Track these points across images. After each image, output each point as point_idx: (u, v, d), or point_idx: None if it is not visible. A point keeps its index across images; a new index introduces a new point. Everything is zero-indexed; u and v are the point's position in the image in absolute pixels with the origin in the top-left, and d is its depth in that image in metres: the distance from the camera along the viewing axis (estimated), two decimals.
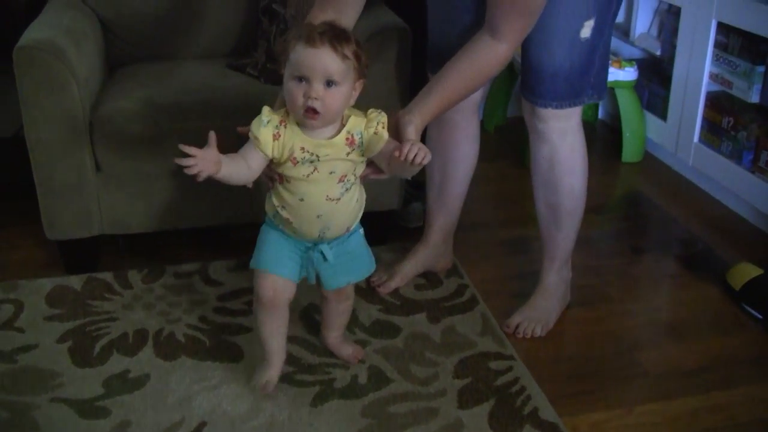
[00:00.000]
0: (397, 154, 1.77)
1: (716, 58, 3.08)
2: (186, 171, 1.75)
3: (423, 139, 2.45)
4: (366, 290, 2.53)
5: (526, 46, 2.16)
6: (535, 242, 2.62)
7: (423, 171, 2.44)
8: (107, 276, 2.61)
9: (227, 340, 2.30)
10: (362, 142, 1.89)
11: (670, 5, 3.42)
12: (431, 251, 2.59)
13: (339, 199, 1.93)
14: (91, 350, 2.27)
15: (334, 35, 1.77)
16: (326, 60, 1.76)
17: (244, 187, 1.98)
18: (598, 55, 2.17)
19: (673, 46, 3.34)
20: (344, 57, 1.77)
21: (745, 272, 2.56)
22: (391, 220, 2.85)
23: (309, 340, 2.30)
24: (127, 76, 2.78)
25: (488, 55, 2.03)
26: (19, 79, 2.36)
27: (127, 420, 2.03)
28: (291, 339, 2.26)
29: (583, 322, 2.45)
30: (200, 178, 1.78)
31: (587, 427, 2.04)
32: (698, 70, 3.15)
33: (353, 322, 2.36)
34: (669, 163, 3.54)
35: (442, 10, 2.28)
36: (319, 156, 1.86)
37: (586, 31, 2.09)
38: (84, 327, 2.36)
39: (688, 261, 2.80)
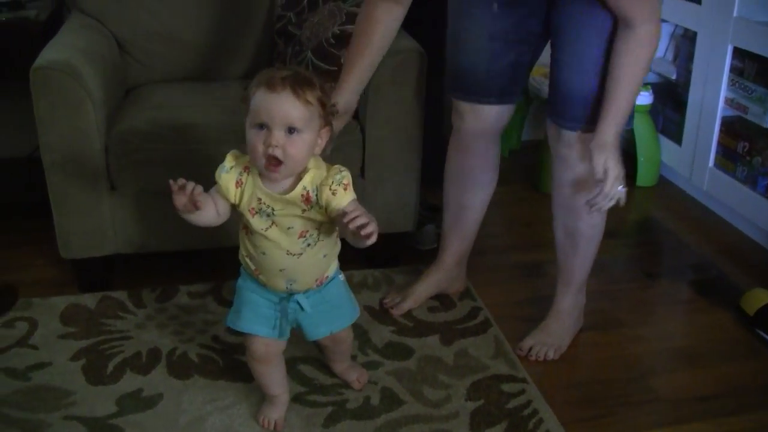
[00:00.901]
0: (345, 220, 1.69)
1: (732, 83, 3.08)
2: (177, 196, 1.74)
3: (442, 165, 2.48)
4: (379, 312, 2.53)
5: (556, 70, 2.16)
6: (549, 266, 2.62)
7: (439, 193, 2.46)
8: (121, 295, 2.61)
9: (240, 360, 2.29)
10: (317, 200, 1.77)
11: (686, 30, 3.43)
12: (445, 274, 2.59)
13: (301, 254, 1.84)
14: (105, 369, 2.28)
15: (296, 81, 1.69)
16: (286, 106, 1.68)
17: None
18: None
19: (689, 71, 3.34)
20: (306, 103, 1.69)
21: (759, 298, 2.55)
22: (405, 242, 2.86)
23: (321, 361, 2.29)
24: (143, 96, 2.80)
25: (641, 45, 1.99)
26: (36, 100, 2.38)
27: None
28: (303, 359, 2.27)
29: (596, 346, 2.45)
30: (198, 203, 1.76)
31: None
32: (713, 94, 3.15)
33: (366, 344, 2.37)
34: (683, 188, 3.54)
35: (478, 42, 2.25)
36: (274, 210, 1.79)
37: None
38: (97, 345, 2.37)
39: (702, 286, 2.79)
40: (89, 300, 2.59)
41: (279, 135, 1.68)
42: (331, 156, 2.55)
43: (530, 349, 2.37)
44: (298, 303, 1.92)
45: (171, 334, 2.42)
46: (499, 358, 2.33)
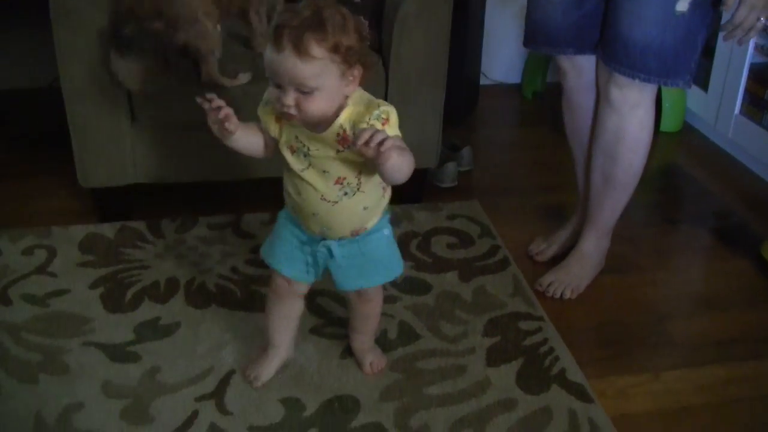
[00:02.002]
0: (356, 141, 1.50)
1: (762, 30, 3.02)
2: (212, 115, 1.64)
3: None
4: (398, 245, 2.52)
5: (616, 14, 2.10)
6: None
7: (458, 135, 2.43)
8: (140, 225, 2.62)
9: (258, 292, 2.30)
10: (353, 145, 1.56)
11: None
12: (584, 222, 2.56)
13: (337, 202, 1.71)
14: (123, 297, 2.28)
15: (299, 34, 1.51)
16: (289, 66, 1.53)
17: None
18: (701, 39, 2.09)
19: (719, 16, 3.28)
20: (312, 59, 1.52)
21: None
22: (426, 179, 2.85)
23: (338, 294, 2.29)
24: None
25: None
26: (55, 29, 2.36)
27: (156, 366, 2.04)
28: (321, 292, 2.27)
29: (614, 288, 2.44)
30: (227, 128, 1.65)
31: (614, 391, 2.04)
32: None
33: None
34: (708, 135, 3.50)
35: None
36: (309, 149, 1.67)
37: (682, 5, 2.00)
38: (116, 274, 2.38)
39: (723, 234, 2.78)
40: (108, 229, 2.60)
41: (290, 96, 1.56)
42: None
43: (549, 286, 2.37)
44: (329, 249, 1.81)
45: (189, 264, 2.43)
46: (517, 297, 2.32)
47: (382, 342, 2.13)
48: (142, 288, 2.32)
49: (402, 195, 2.76)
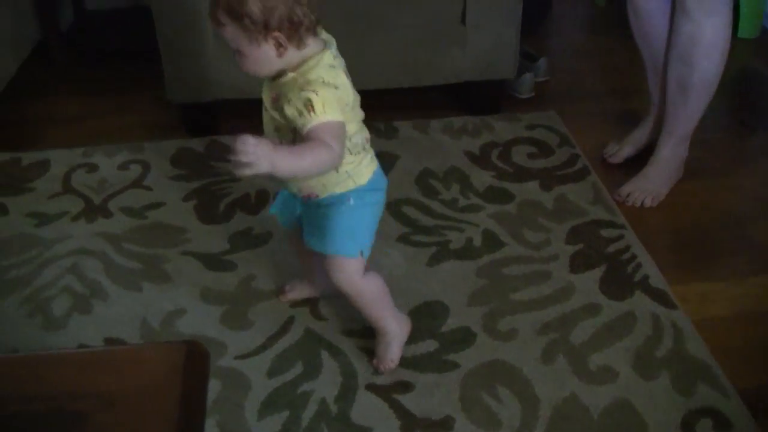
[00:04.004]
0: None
1: None
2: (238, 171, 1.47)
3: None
4: (479, 157, 2.58)
5: None
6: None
7: (531, 44, 2.44)
8: (228, 139, 2.69)
9: None
10: (281, 110, 1.57)
11: None
12: (656, 124, 2.57)
13: None
14: (216, 208, 2.38)
15: (211, 3, 1.55)
16: (213, 27, 1.58)
17: (365, 49, 1.93)
18: None
19: None
20: (220, 24, 1.54)
21: None
22: (504, 90, 2.88)
23: (424, 203, 2.36)
24: None
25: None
26: None
27: (252, 274, 2.14)
28: (406, 201, 2.35)
29: (693, 194, 2.46)
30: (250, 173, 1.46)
31: (696, 296, 2.08)
32: None
33: (467, 188, 2.43)
34: None
35: None
36: (262, 90, 1.67)
37: None
38: (208, 186, 2.47)
39: None
40: (197, 143, 2.68)
41: (234, 52, 1.59)
42: (429, 3, 2.56)
43: (628, 195, 2.40)
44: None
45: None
46: (598, 204, 2.37)
47: (468, 249, 2.20)
48: (233, 200, 2.41)
49: (480, 106, 2.81)
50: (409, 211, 2.34)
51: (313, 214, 1.75)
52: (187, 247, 2.24)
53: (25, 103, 3.01)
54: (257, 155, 1.43)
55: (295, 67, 1.57)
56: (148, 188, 2.48)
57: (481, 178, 2.48)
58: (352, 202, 1.70)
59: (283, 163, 1.49)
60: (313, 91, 1.52)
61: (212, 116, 2.77)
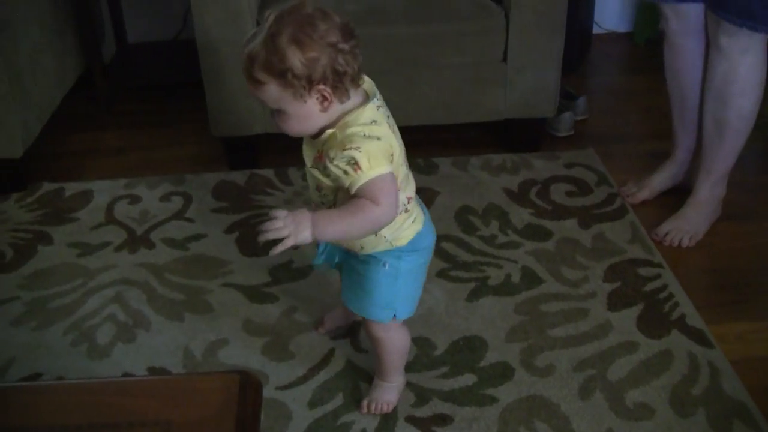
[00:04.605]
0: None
1: None
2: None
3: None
4: (517, 194, 2.60)
5: None
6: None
7: (571, 83, 2.46)
8: (268, 173, 2.74)
9: None
10: (324, 169, 1.55)
11: None
12: (679, 168, 2.60)
13: (319, 207, 1.65)
14: (256, 241, 2.40)
15: (246, 65, 1.49)
16: (252, 92, 1.53)
17: (410, 88, 1.96)
18: None
19: None
20: (260, 84, 1.48)
21: None
22: (543, 128, 2.91)
23: (463, 239, 2.39)
24: None
25: None
26: None
27: (293, 306, 2.17)
28: (446, 237, 2.37)
29: (731, 235, 2.46)
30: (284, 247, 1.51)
31: (733, 336, 2.08)
32: None
33: (506, 225, 2.45)
34: None
35: None
36: (304, 149, 1.64)
37: None
38: (249, 219, 2.51)
39: None
40: (238, 177, 2.73)
41: (272, 113, 1.56)
42: (473, 41, 2.60)
43: (666, 235, 2.41)
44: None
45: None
46: (636, 243, 2.38)
47: (507, 285, 2.22)
48: None
49: (520, 144, 2.84)
50: (449, 247, 2.36)
51: (351, 267, 1.74)
52: (229, 279, 2.27)
53: (69, 135, 3.08)
54: (295, 226, 1.46)
55: (335, 123, 1.53)
56: (190, 220, 2.52)
57: (520, 215, 2.50)
58: (387, 268, 1.67)
59: (328, 229, 1.49)
60: (357, 148, 1.47)
61: (254, 150, 2.81)
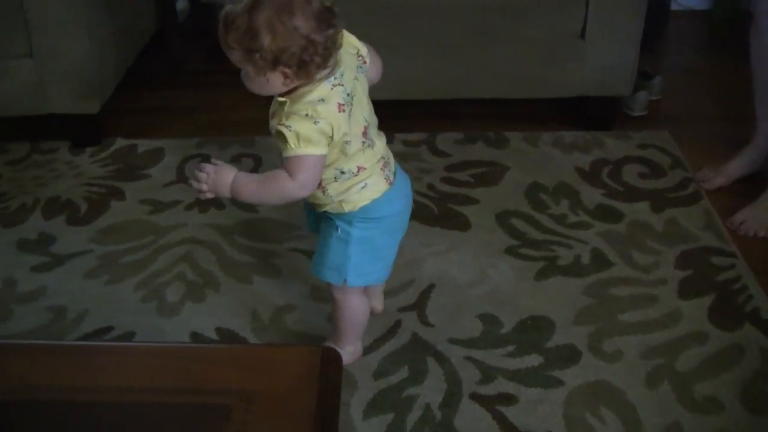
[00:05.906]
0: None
1: None
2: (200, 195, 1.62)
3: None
4: (589, 174, 2.58)
5: None
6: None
7: (646, 61, 2.40)
8: None
9: (454, 210, 2.40)
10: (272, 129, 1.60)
11: None
12: (758, 154, 2.56)
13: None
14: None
15: (222, 22, 1.51)
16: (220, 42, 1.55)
17: (483, 60, 1.93)
18: None
19: None
20: (227, 46, 1.51)
21: None
22: (617, 107, 2.87)
23: (533, 216, 2.37)
24: None
25: None
26: None
27: None
28: (515, 214, 2.37)
29: None
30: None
31: None
32: None
33: (576, 204, 2.43)
34: None
35: None
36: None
37: None
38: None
39: None
40: None
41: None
42: (551, 14, 2.56)
43: (741, 224, 2.36)
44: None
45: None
46: (709, 231, 2.34)
47: (576, 266, 2.20)
48: None
49: (593, 122, 2.80)
50: (518, 223, 2.35)
51: (321, 224, 1.79)
52: (297, 244, 2.28)
53: (142, 93, 3.10)
54: (214, 183, 1.58)
55: (291, 92, 1.57)
56: None
57: (591, 195, 2.47)
58: (339, 232, 1.72)
59: (242, 191, 1.60)
60: (288, 126, 1.51)
61: None
